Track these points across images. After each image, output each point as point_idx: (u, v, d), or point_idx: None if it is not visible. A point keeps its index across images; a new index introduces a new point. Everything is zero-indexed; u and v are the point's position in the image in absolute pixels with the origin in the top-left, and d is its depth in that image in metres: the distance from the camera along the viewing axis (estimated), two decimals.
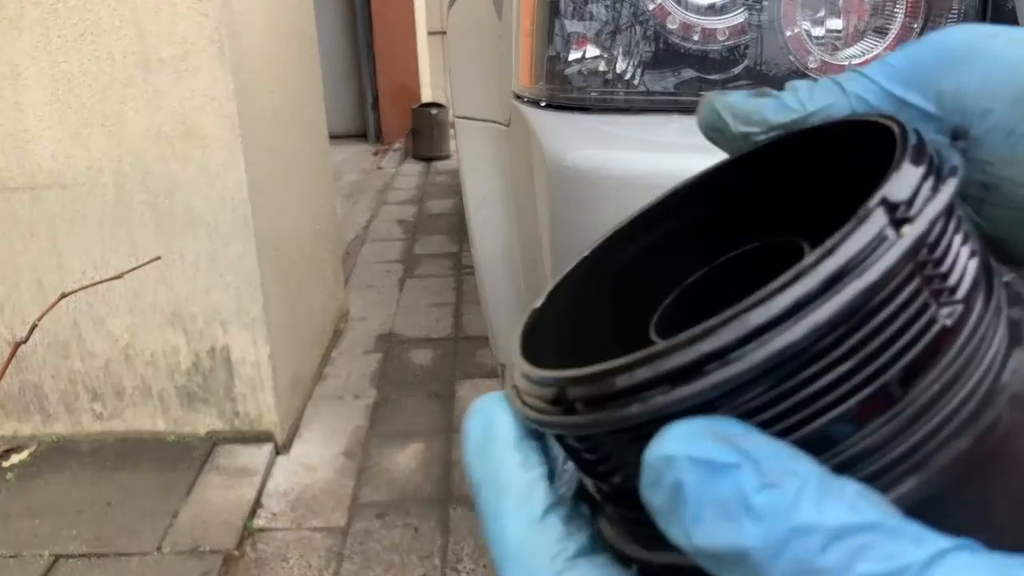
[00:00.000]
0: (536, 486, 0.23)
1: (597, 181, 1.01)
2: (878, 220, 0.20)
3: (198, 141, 2.10)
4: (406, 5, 6.48)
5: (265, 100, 2.33)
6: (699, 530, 0.17)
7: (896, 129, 0.23)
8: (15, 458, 2.24)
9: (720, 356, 0.19)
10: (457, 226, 4.38)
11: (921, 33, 1.17)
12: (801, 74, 1.15)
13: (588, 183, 1.02)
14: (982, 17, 1.15)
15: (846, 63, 1.16)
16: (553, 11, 1.16)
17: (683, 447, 0.17)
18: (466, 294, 3.44)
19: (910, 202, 0.20)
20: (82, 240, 2.17)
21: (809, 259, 0.19)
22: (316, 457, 2.31)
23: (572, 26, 1.17)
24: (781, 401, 0.19)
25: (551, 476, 0.24)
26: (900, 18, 1.17)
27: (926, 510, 0.19)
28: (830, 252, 0.19)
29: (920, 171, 0.21)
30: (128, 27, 2.03)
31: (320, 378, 2.75)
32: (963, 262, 0.22)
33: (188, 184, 2.13)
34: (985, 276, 0.22)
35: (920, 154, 0.22)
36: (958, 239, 0.22)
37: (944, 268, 0.21)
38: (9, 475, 2.18)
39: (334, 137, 4.15)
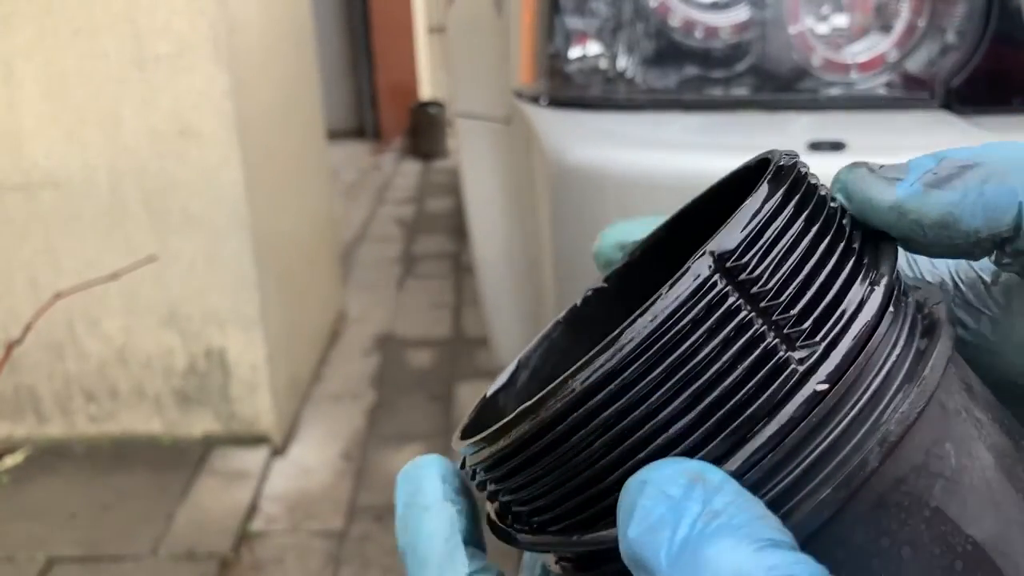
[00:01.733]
0: (455, 555, 0.24)
1: (598, 180, 0.99)
2: (701, 268, 0.21)
3: (194, 139, 2.08)
4: (405, 1, 6.47)
5: (262, 98, 2.31)
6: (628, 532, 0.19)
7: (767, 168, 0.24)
8: (9, 460, 2.22)
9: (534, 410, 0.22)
10: (456, 226, 4.37)
11: (926, 31, 1.15)
12: (804, 71, 1.13)
13: (589, 182, 1.00)
14: (987, 14, 1.13)
15: (850, 60, 1.14)
16: (554, 7, 1.14)
17: (660, 479, 0.19)
18: (465, 295, 3.43)
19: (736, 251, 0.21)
20: (77, 240, 2.15)
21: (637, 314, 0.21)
22: (313, 459, 2.29)
23: (573, 23, 1.15)
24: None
25: (471, 538, 0.25)
26: (905, 15, 1.15)
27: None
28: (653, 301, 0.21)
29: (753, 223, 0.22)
30: (123, 24, 2.01)
31: (317, 379, 2.74)
32: (831, 304, 0.22)
33: (184, 183, 2.11)
34: (878, 315, 0.22)
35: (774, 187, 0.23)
36: (839, 282, 0.22)
37: (792, 313, 0.21)
38: (3, 477, 2.17)
39: (331, 135, 4.13)
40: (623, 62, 1.14)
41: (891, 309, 0.23)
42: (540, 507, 0.23)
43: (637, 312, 0.21)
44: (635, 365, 0.21)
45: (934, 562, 0.21)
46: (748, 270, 0.21)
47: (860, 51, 1.13)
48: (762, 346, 0.21)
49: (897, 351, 0.22)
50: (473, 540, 0.25)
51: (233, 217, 2.13)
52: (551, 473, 0.22)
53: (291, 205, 2.59)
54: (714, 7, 1.14)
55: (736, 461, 0.21)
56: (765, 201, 0.22)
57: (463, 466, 0.25)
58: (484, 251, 1.48)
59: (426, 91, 6.84)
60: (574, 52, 1.15)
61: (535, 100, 1.17)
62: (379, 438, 2.38)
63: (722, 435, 0.21)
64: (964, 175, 0.23)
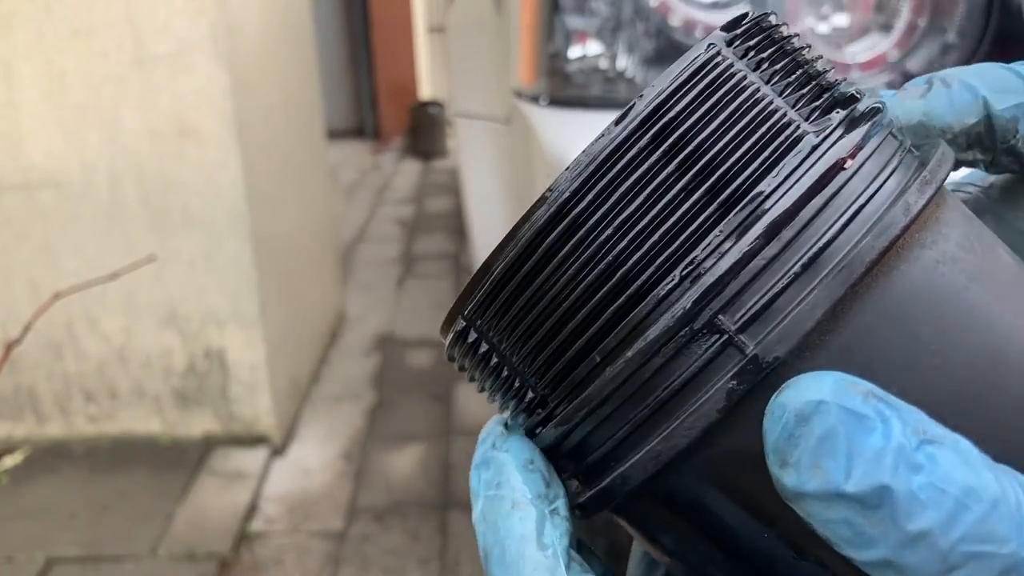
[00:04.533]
0: (552, 568, 0.21)
1: None
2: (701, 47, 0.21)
3: (193, 139, 2.07)
4: (404, 1, 6.47)
5: (261, 97, 2.31)
6: (851, 478, 0.17)
7: None
8: (8, 460, 2.21)
9: None
10: (456, 226, 4.36)
11: (926, 31, 1.15)
12: None
13: None
14: (987, 14, 1.13)
15: (851, 60, 1.14)
16: (554, 7, 1.14)
17: (835, 396, 0.18)
18: None
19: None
20: (76, 239, 2.14)
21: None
22: (313, 460, 2.28)
23: (573, 22, 1.15)
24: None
25: (570, 541, 0.22)
26: (905, 15, 1.15)
27: None
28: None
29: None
30: (122, 24, 2.01)
31: (317, 380, 2.73)
32: (845, 98, 0.22)
33: (183, 183, 2.11)
34: (886, 122, 0.23)
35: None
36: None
37: (805, 91, 0.22)
38: (2, 477, 2.16)
39: (331, 135, 4.13)
40: (623, 62, 1.14)
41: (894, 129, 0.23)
42: (551, 357, 0.22)
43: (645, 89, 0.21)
44: (642, 140, 0.20)
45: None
46: (751, 53, 0.22)
47: (861, 51, 1.13)
48: (775, 117, 0.21)
49: (902, 153, 0.22)
50: (572, 544, 0.22)
51: (233, 217, 2.12)
52: (560, 280, 0.21)
53: (291, 205, 2.59)
54: (714, 7, 1.13)
55: (758, 230, 0.20)
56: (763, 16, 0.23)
57: (463, 333, 0.23)
58: (484, 251, 1.48)
59: (426, 91, 6.83)
60: (574, 52, 1.14)
61: (535, 100, 1.17)
62: (379, 438, 2.38)
63: (738, 208, 0.20)
64: (933, 83, 0.26)
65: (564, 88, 1.16)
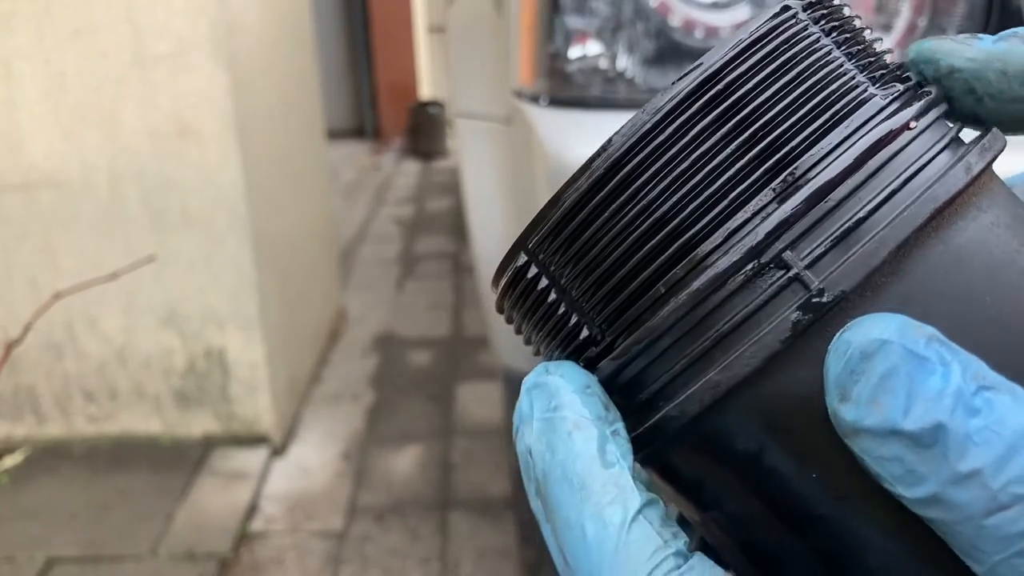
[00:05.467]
0: (622, 484, 0.21)
1: None
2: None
3: (193, 139, 2.07)
4: (404, 1, 6.46)
5: (261, 97, 2.31)
6: (908, 416, 0.18)
7: None
8: (8, 460, 2.21)
9: None
10: (456, 226, 4.36)
11: (926, 31, 1.15)
12: None
13: None
14: (987, 14, 1.13)
15: None
16: (554, 7, 1.14)
17: (899, 337, 0.18)
18: (465, 295, 3.42)
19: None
20: (76, 240, 2.14)
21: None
22: (313, 460, 2.28)
23: (573, 22, 1.15)
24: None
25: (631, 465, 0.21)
26: (905, 14, 1.15)
27: None
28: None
29: None
30: (122, 24, 2.01)
31: (317, 380, 2.73)
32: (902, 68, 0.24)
33: (183, 183, 2.10)
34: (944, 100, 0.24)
35: None
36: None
37: (873, 58, 0.23)
38: (2, 477, 2.16)
39: (331, 135, 4.13)
40: (623, 62, 1.14)
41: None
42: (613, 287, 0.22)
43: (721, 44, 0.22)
44: (726, 80, 0.21)
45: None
46: (830, 14, 0.23)
47: None
48: (846, 76, 0.22)
49: (953, 133, 0.23)
50: (632, 468, 0.21)
51: (232, 217, 2.12)
52: (630, 213, 0.22)
53: (291, 205, 2.59)
54: (714, 7, 1.13)
55: (833, 170, 0.21)
56: None
57: (527, 265, 0.23)
58: (484, 251, 1.47)
59: (426, 91, 6.83)
60: (574, 52, 1.14)
61: (535, 100, 1.17)
62: (379, 438, 2.38)
63: (816, 147, 0.21)
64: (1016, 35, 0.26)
65: (564, 88, 1.15)
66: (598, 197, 0.22)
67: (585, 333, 0.23)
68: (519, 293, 0.24)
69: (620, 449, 0.21)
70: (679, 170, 0.21)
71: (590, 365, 0.23)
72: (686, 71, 0.22)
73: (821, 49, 0.22)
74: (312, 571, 1.86)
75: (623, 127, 0.22)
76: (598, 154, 0.22)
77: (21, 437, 2.31)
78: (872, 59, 0.23)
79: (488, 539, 1.93)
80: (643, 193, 0.21)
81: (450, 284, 3.59)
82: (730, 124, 0.21)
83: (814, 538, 0.21)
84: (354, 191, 5.30)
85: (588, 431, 0.21)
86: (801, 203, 0.21)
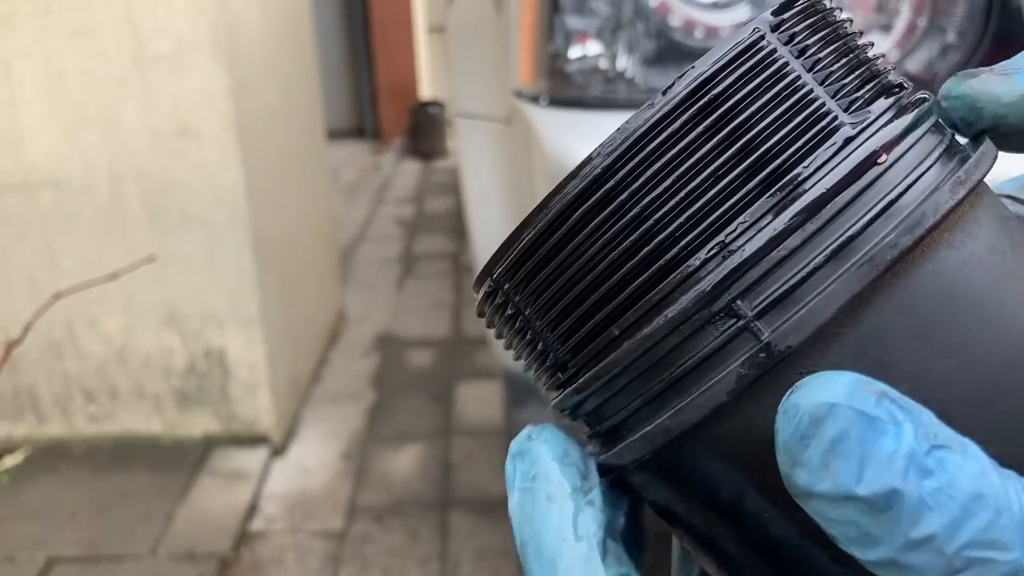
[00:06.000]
0: (590, 561, 0.21)
1: None
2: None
3: (193, 139, 2.07)
4: (404, 1, 6.46)
5: (261, 97, 2.31)
6: (862, 481, 0.17)
7: None
8: (8, 460, 2.21)
9: None
10: (456, 226, 4.36)
11: (926, 31, 1.15)
12: None
13: None
14: (987, 14, 1.13)
15: None
16: (554, 7, 1.14)
17: (848, 398, 0.18)
18: (465, 294, 3.42)
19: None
20: (76, 239, 2.14)
21: None
22: (313, 460, 2.28)
23: (573, 22, 1.15)
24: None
25: (607, 534, 0.22)
26: (905, 15, 1.15)
27: None
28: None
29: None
30: (122, 24, 2.01)
31: (317, 380, 2.73)
32: (887, 87, 0.22)
33: (183, 183, 2.11)
34: (931, 116, 0.22)
35: None
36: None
37: (845, 82, 0.22)
38: (3, 477, 2.16)
39: (331, 135, 4.13)
40: (623, 62, 1.14)
41: (939, 127, 0.23)
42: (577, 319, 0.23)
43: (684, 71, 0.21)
44: (681, 118, 0.21)
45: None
46: (799, 38, 0.22)
47: None
48: (813, 106, 0.21)
49: (942, 148, 0.22)
50: (610, 536, 0.22)
51: (233, 217, 2.12)
52: (588, 251, 0.22)
53: (291, 205, 2.59)
54: (714, 7, 1.14)
55: (786, 217, 0.20)
56: None
57: (494, 290, 0.24)
58: (484, 251, 1.47)
59: (426, 91, 6.83)
60: (574, 52, 1.14)
61: (535, 100, 1.17)
62: (379, 438, 2.38)
63: (768, 193, 0.21)
64: None
65: (564, 88, 1.15)
66: (554, 238, 0.22)
67: (551, 359, 0.24)
68: (492, 311, 0.25)
69: (594, 522, 0.22)
70: (630, 215, 0.21)
71: (558, 389, 0.24)
72: (642, 109, 0.21)
73: (787, 76, 0.21)
74: (312, 571, 1.87)
75: (578, 168, 0.22)
76: (551, 197, 0.22)
77: (21, 437, 2.31)
78: (859, 70, 0.22)
79: (488, 539, 1.94)
80: (596, 236, 0.22)
81: (450, 284, 3.60)
82: (688, 164, 0.21)
83: (778, 566, 0.22)
84: (354, 191, 5.30)
85: (563, 503, 0.22)
86: (755, 251, 0.20)
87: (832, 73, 0.22)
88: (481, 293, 0.25)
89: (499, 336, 0.26)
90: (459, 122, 1.64)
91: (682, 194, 0.21)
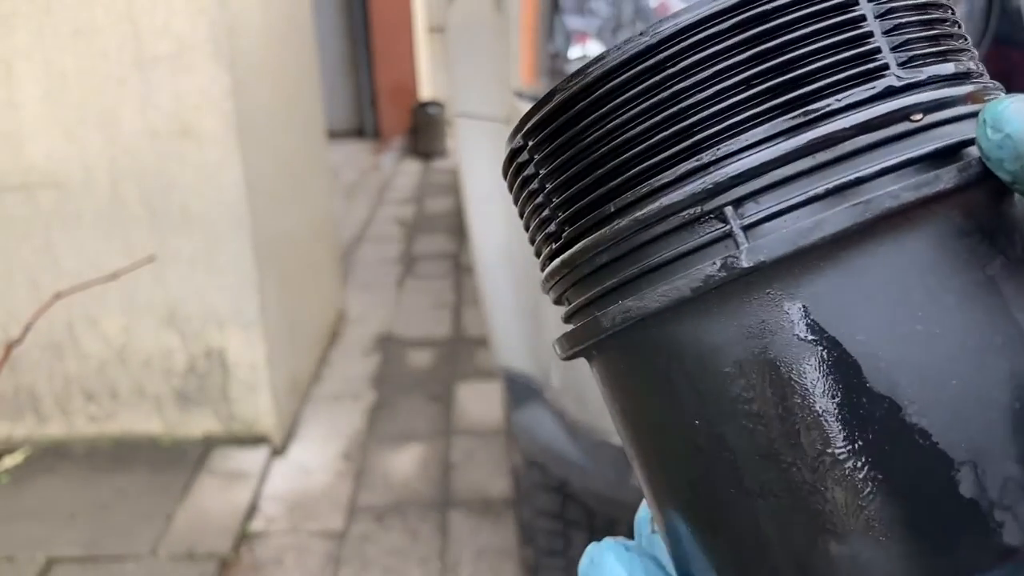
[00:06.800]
0: None
1: None
2: None
3: (194, 139, 2.07)
4: (404, 1, 6.46)
5: (262, 98, 2.31)
6: None
7: None
8: (9, 460, 2.21)
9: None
10: (456, 226, 4.36)
11: None
12: None
13: None
14: (987, 16, 1.13)
15: None
16: (554, 7, 1.14)
17: None
18: (465, 294, 3.43)
19: None
20: (76, 240, 2.14)
21: None
22: (313, 460, 2.28)
23: (573, 23, 1.15)
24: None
25: None
26: None
27: None
28: None
29: None
30: (123, 24, 2.01)
31: (317, 379, 2.73)
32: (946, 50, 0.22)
33: (183, 183, 2.11)
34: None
35: None
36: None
37: (905, 36, 0.22)
38: (3, 477, 2.16)
39: (332, 135, 4.13)
40: None
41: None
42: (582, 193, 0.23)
43: None
44: (736, 19, 0.21)
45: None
46: None
47: None
48: (867, 47, 0.21)
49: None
50: None
51: (233, 217, 2.12)
52: (607, 126, 0.22)
53: (291, 205, 2.59)
54: None
55: (801, 140, 0.20)
56: None
57: (515, 155, 0.25)
58: (484, 251, 1.47)
59: (426, 91, 6.83)
60: (574, 52, 1.14)
61: (535, 100, 1.17)
62: (379, 438, 2.38)
63: (795, 113, 0.21)
64: None
65: None
66: (582, 103, 0.22)
67: (551, 228, 0.25)
68: (513, 171, 0.26)
69: None
70: (660, 97, 0.21)
71: (550, 257, 0.25)
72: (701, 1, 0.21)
73: (854, 12, 0.21)
74: (312, 571, 1.87)
75: (622, 43, 0.22)
76: (595, 61, 0.22)
77: (21, 437, 2.31)
78: (932, 35, 0.22)
79: (488, 539, 1.94)
80: (622, 110, 0.22)
81: (450, 284, 3.60)
82: (724, 64, 0.21)
83: (698, 465, 0.23)
84: (354, 191, 5.30)
85: None
86: (760, 164, 0.20)
87: (902, 26, 0.22)
88: (508, 150, 0.26)
89: (515, 201, 0.26)
90: (459, 122, 1.64)
91: (713, 90, 0.21)
